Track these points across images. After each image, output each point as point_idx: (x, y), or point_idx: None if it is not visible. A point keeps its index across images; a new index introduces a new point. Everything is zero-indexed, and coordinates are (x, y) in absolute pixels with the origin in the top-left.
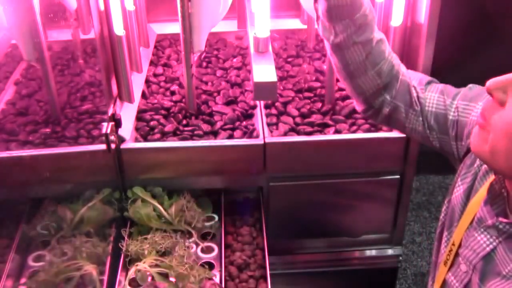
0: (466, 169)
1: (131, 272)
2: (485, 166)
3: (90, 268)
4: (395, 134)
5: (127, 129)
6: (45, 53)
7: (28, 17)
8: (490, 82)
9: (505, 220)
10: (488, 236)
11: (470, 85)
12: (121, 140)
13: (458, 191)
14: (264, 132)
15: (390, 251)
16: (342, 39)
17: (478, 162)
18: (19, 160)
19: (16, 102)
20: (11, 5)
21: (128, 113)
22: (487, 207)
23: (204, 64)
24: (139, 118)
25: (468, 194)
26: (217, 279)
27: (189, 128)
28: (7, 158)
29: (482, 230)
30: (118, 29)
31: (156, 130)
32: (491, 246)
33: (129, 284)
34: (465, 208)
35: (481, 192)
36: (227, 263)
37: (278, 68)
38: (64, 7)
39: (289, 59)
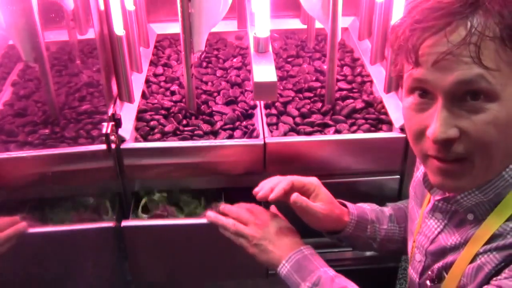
0: None
1: (144, 200)
2: None
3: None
4: (395, 134)
5: (127, 129)
6: (44, 54)
7: (26, 18)
8: (435, 135)
9: (438, 197)
10: (436, 220)
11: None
12: (121, 140)
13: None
14: (264, 132)
15: None
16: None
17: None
18: (19, 160)
19: (14, 103)
20: (9, 5)
21: (128, 113)
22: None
23: (204, 64)
24: (139, 118)
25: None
26: None
27: (189, 128)
28: (7, 159)
29: (430, 216)
30: (118, 29)
31: (156, 130)
32: (438, 230)
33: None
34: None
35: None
36: None
37: (278, 68)
38: (61, 7)
39: (289, 59)
